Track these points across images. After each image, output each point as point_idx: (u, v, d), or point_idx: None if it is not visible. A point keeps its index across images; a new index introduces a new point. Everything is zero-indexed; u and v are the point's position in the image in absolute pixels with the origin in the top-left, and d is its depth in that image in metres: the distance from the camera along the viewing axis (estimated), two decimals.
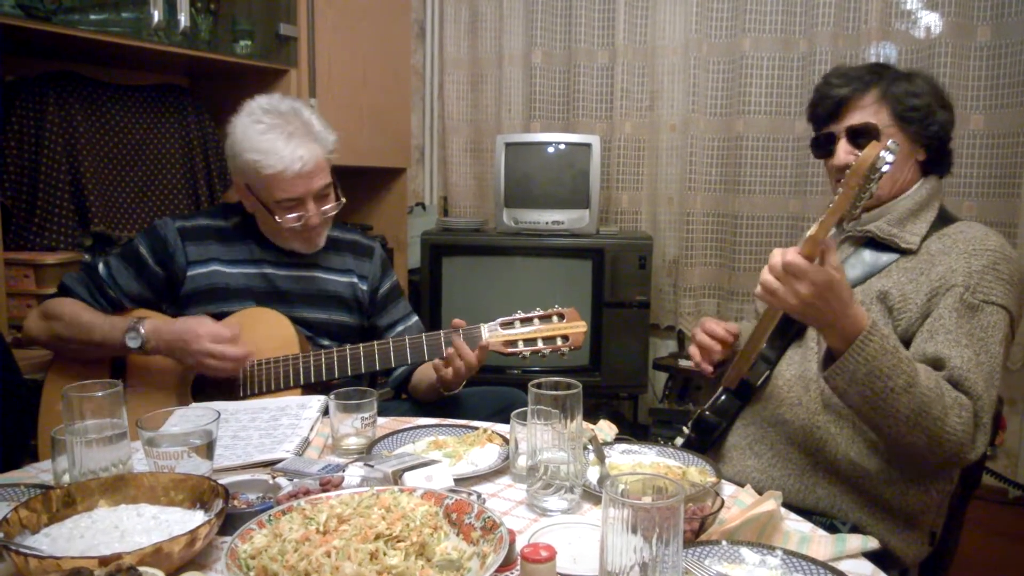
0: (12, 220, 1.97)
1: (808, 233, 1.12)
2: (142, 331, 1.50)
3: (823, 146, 1.43)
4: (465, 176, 3.52)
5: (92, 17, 1.86)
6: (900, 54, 2.67)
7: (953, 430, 1.15)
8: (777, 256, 1.14)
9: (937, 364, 1.22)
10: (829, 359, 1.19)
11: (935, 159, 1.41)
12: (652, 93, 3.11)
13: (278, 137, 1.55)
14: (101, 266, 1.63)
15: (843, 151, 1.38)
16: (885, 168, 1.07)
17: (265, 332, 1.60)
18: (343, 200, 1.68)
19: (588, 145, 2.85)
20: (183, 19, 2.01)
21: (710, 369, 1.45)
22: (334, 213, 1.68)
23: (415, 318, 1.86)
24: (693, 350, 1.48)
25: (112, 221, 2.16)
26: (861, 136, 1.35)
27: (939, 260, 1.29)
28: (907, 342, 1.26)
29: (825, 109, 1.42)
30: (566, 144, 2.92)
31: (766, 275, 1.16)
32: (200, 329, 1.49)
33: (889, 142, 1.08)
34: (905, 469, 1.27)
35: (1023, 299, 1.30)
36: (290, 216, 1.60)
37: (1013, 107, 2.50)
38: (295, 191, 1.57)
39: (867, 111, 1.37)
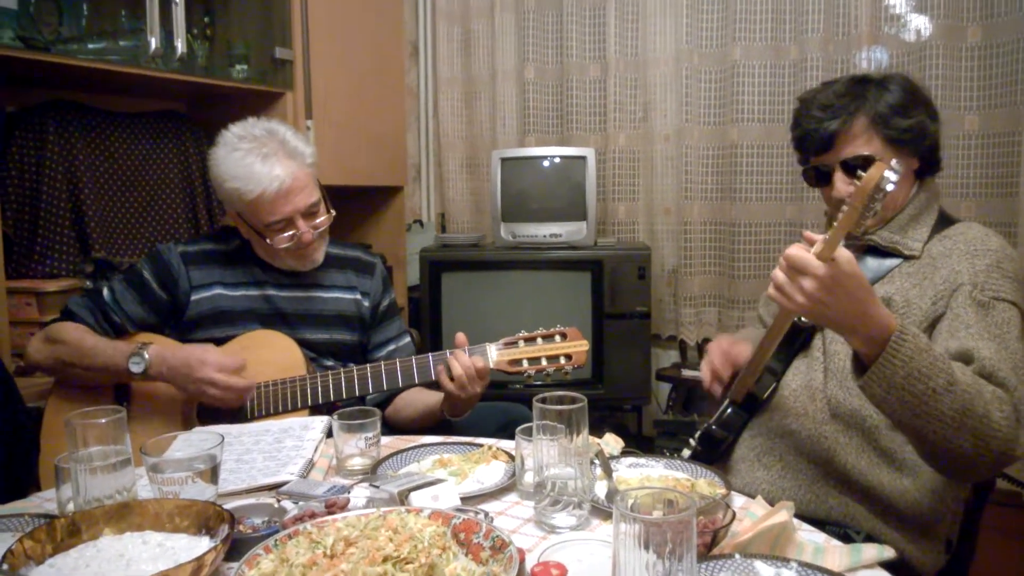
0: (14, 248, 1.97)
1: (813, 251, 1.08)
2: (146, 356, 1.50)
3: (818, 178, 1.40)
4: (462, 192, 3.53)
5: (90, 46, 1.88)
6: (891, 58, 2.68)
7: (999, 425, 1.09)
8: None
9: (965, 359, 1.17)
10: (860, 368, 1.12)
11: (928, 164, 1.40)
12: (645, 104, 3.13)
13: (255, 160, 1.54)
14: (106, 291, 1.64)
15: (841, 183, 1.34)
16: (889, 187, 1.04)
17: (271, 355, 1.59)
18: (333, 212, 1.67)
19: (583, 158, 2.86)
20: (180, 46, 2.02)
21: (719, 392, 1.46)
22: (326, 227, 1.67)
23: (407, 339, 1.84)
24: (705, 371, 1.48)
25: (113, 247, 2.17)
26: (857, 167, 1.29)
27: (941, 263, 1.28)
28: None
29: (814, 144, 1.38)
30: (561, 157, 2.93)
31: (776, 271, 1.13)
32: (206, 357, 1.49)
33: (893, 162, 1.05)
34: (918, 476, 1.25)
35: None
36: (282, 237, 1.59)
37: (1007, 106, 2.51)
38: (282, 212, 1.57)
39: (859, 141, 1.33)
